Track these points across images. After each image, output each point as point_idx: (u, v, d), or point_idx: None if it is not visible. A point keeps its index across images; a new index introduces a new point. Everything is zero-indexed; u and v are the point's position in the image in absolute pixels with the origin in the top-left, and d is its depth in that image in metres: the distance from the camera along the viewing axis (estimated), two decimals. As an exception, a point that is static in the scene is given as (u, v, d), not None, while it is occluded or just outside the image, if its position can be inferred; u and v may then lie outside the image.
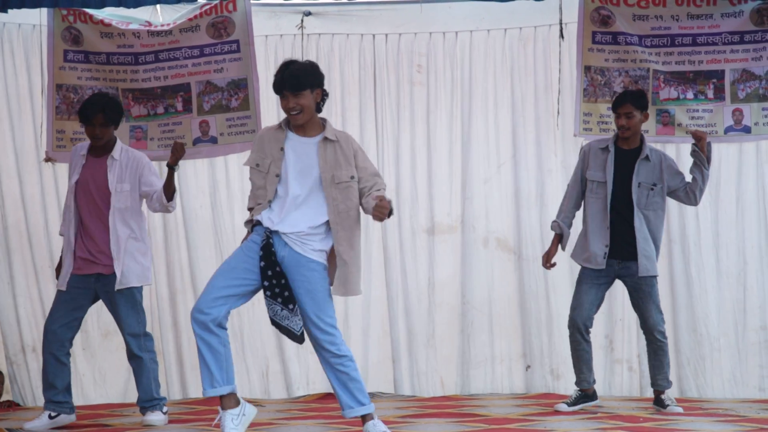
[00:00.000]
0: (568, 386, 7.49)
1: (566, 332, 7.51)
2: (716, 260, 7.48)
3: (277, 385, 7.63)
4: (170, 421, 6.34)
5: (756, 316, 7.45)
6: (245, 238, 5.40)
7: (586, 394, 6.69)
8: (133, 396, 7.51)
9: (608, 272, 6.62)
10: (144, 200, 6.35)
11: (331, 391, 7.47)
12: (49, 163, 7.34)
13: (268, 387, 7.63)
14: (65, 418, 6.25)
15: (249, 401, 7.37)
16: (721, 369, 7.42)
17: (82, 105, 6.31)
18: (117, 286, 6.19)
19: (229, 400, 5.29)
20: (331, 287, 5.32)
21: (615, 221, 6.56)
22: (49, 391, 6.24)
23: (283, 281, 5.18)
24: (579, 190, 6.72)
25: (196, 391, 7.58)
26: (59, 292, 6.30)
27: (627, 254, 6.58)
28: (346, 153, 5.27)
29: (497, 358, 7.63)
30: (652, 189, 6.58)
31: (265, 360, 7.62)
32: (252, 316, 7.58)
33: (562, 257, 7.56)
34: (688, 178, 6.75)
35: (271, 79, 7.53)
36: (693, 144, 6.64)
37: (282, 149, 5.21)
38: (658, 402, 6.67)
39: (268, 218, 5.22)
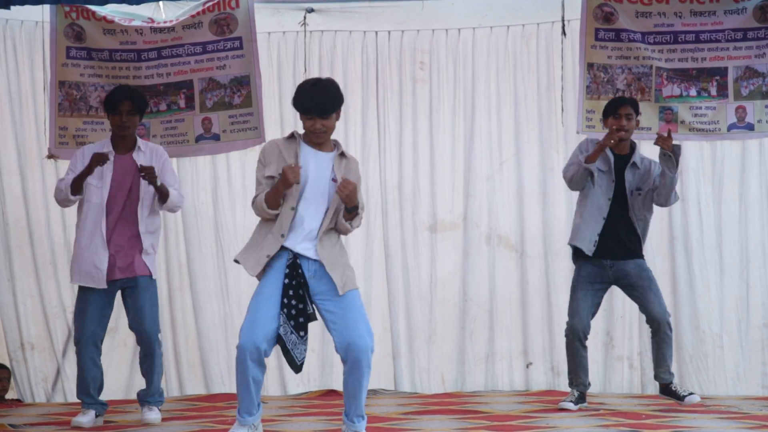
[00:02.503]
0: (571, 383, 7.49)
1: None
2: (719, 257, 7.47)
3: (275, 382, 7.63)
4: (169, 418, 6.34)
5: (759, 313, 7.44)
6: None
7: (582, 395, 6.65)
8: (134, 392, 7.54)
9: (602, 275, 6.55)
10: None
11: (332, 388, 7.54)
12: (51, 160, 7.33)
13: (266, 383, 7.62)
14: (100, 420, 6.27)
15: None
16: (724, 366, 7.41)
17: (107, 96, 6.30)
18: (142, 270, 6.18)
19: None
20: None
21: (610, 217, 6.51)
22: (87, 393, 6.26)
23: (301, 306, 5.08)
24: None
25: (193, 388, 7.59)
26: (84, 293, 6.21)
27: (620, 254, 6.51)
28: (353, 171, 5.25)
29: (498, 355, 7.63)
30: (639, 194, 6.54)
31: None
32: (253, 314, 7.58)
33: (563, 256, 7.57)
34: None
35: (273, 77, 7.67)
36: (660, 147, 6.52)
37: (297, 155, 5.14)
38: (670, 392, 6.58)
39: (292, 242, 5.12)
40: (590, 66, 7.27)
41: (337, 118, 5.20)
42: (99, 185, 6.20)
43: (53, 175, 7.49)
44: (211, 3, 7.18)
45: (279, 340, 5.08)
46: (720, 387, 7.38)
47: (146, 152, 6.27)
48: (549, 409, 6.47)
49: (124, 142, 6.28)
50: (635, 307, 7.50)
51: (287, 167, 5.02)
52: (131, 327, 6.31)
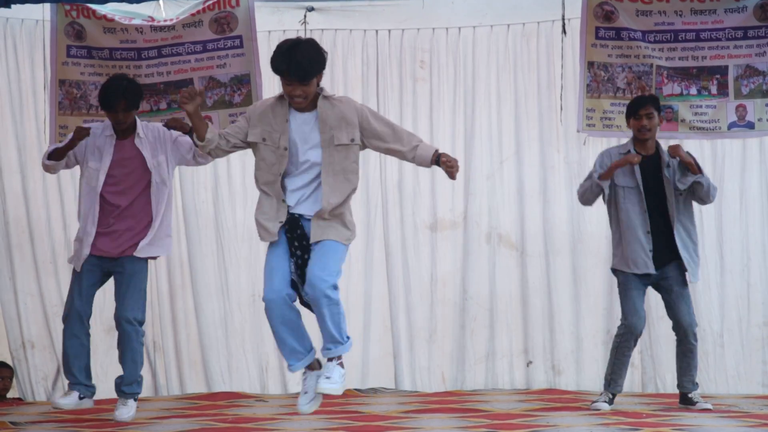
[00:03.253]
0: (569, 382, 7.50)
1: (568, 329, 7.56)
2: (720, 256, 7.47)
3: (276, 381, 7.64)
4: (170, 416, 6.34)
5: (759, 312, 7.44)
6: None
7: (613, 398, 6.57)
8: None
9: (650, 277, 6.51)
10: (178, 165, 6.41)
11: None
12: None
13: (267, 382, 7.63)
14: (87, 402, 6.25)
15: (249, 396, 7.44)
16: (725, 365, 7.41)
17: (102, 91, 6.27)
18: (144, 254, 6.19)
19: (314, 364, 5.40)
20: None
21: (653, 229, 6.47)
22: (71, 373, 6.24)
23: (306, 256, 5.18)
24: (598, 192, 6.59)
25: (194, 387, 7.59)
26: (76, 274, 6.24)
27: (666, 259, 6.47)
28: (347, 115, 5.20)
29: (498, 354, 7.63)
30: (681, 194, 6.51)
31: (265, 356, 7.62)
32: (252, 313, 7.59)
33: (563, 254, 7.57)
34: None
35: (273, 76, 7.53)
36: (679, 163, 6.50)
37: (287, 121, 5.15)
38: (686, 400, 6.56)
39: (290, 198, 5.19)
40: (590, 64, 7.27)
41: (318, 82, 5.14)
42: (96, 167, 6.21)
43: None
44: (211, 2, 7.17)
45: (293, 285, 5.17)
46: (720, 385, 7.38)
47: (147, 136, 6.26)
48: (549, 408, 6.47)
49: (124, 131, 6.28)
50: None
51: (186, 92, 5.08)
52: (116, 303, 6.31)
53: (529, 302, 7.64)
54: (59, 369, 7.55)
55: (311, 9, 7.58)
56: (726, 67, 7.21)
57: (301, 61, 5.01)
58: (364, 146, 5.28)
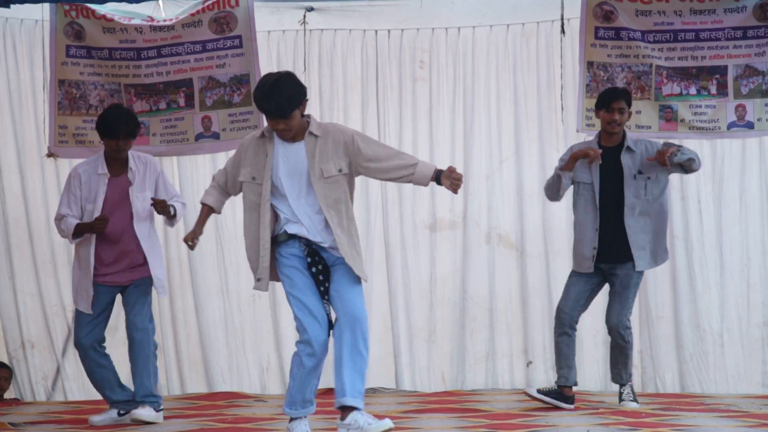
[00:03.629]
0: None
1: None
2: (719, 256, 7.47)
3: (276, 381, 7.64)
4: (170, 417, 6.33)
5: (759, 312, 7.44)
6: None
7: (561, 393, 6.48)
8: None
9: (597, 275, 6.52)
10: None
11: (332, 386, 7.52)
12: (51, 158, 7.33)
13: (267, 382, 7.63)
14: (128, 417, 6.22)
15: (248, 396, 7.44)
16: (724, 365, 7.41)
17: (102, 120, 6.19)
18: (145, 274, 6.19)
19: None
20: None
21: (603, 223, 6.45)
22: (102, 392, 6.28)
23: (326, 276, 5.25)
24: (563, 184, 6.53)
25: (194, 387, 7.59)
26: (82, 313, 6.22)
27: (616, 257, 6.46)
28: (333, 145, 5.23)
29: (498, 354, 7.63)
30: (649, 179, 6.45)
31: (266, 356, 7.62)
32: (253, 313, 7.59)
33: (563, 254, 7.57)
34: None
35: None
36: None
37: (266, 156, 5.23)
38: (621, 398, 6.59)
39: (299, 230, 5.23)
40: (590, 64, 7.27)
41: (302, 112, 5.20)
42: (91, 209, 6.17)
43: (53, 173, 7.50)
44: (210, 1, 7.18)
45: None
46: (720, 385, 7.38)
47: (138, 169, 6.21)
48: (549, 408, 6.46)
49: (119, 162, 6.22)
50: (636, 305, 7.51)
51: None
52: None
53: (529, 302, 7.64)
54: (59, 369, 7.56)
55: (311, 9, 7.58)
56: (725, 67, 7.22)
57: (279, 100, 5.10)
58: (358, 173, 5.32)
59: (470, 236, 7.68)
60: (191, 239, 5.43)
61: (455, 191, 5.22)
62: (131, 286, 6.21)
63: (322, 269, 5.24)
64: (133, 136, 6.22)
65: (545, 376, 7.59)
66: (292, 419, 5.32)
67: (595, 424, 5.78)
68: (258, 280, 5.33)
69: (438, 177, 5.21)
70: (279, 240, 5.27)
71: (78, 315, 6.25)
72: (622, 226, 6.41)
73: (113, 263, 6.18)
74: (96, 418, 6.18)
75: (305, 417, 5.33)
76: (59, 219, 6.27)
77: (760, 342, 7.43)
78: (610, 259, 6.46)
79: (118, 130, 6.10)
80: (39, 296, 7.51)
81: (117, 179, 6.20)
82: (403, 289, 7.68)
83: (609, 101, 6.47)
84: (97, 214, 6.13)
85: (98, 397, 7.37)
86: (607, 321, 6.58)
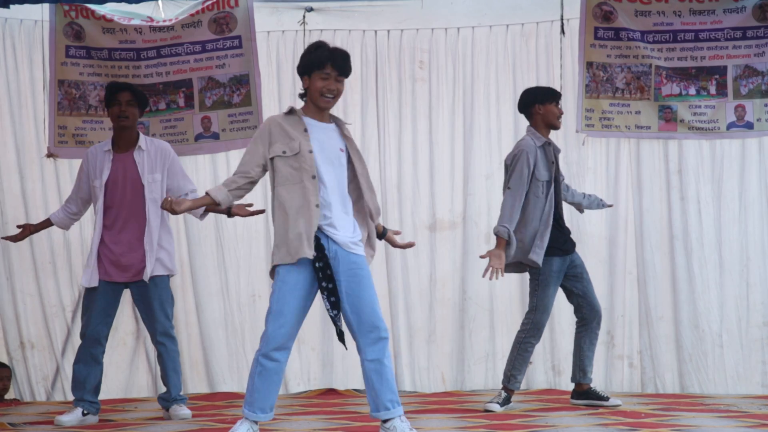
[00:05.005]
0: (569, 382, 7.48)
1: (568, 329, 7.54)
2: (719, 256, 7.47)
3: (276, 381, 7.64)
4: (173, 419, 6.34)
5: (758, 312, 7.44)
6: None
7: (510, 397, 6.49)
8: (134, 391, 7.54)
9: (563, 269, 6.47)
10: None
11: (332, 386, 7.54)
12: (51, 158, 7.33)
13: (267, 382, 7.63)
14: (92, 418, 6.25)
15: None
16: (724, 365, 7.41)
17: (106, 88, 6.29)
18: (147, 276, 6.14)
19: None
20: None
21: (559, 218, 6.46)
22: (79, 390, 6.25)
23: (331, 285, 5.02)
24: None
25: (195, 387, 7.59)
26: (90, 291, 6.22)
27: (571, 248, 6.49)
28: (347, 134, 5.22)
29: (498, 354, 7.62)
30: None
31: (267, 356, 7.62)
32: (253, 312, 7.59)
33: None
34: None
35: (273, 76, 7.65)
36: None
37: (306, 130, 5.04)
38: (590, 394, 6.52)
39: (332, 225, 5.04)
40: (589, 65, 7.28)
41: (343, 89, 5.15)
42: (98, 185, 6.20)
43: (52, 174, 7.49)
44: (210, 2, 7.18)
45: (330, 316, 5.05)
46: (720, 386, 7.38)
47: (150, 150, 6.20)
48: (549, 408, 6.46)
49: (124, 139, 6.22)
50: (635, 305, 7.54)
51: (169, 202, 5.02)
52: (145, 326, 6.34)
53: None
54: (58, 369, 7.55)
55: (310, 9, 7.58)
56: (725, 68, 7.22)
57: (344, 54, 5.04)
58: None
59: (470, 236, 7.69)
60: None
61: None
62: (146, 289, 6.20)
63: (325, 265, 5.00)
64: (139, 104, 6.22)
65: (545, 376, 7.60)
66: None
67: (595, 424, 5.78)
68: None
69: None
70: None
71: (87, 305, 6.24)
72: (561, 216, 6.46)
73: (121, 254, 6.17)
74: (64, 418, 6.15)
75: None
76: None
77: (759, 342, 7.43)
78: (569, 250, 6.47)
79: (120, 92, 6.14)
80: (38, 296, 7.51)
81: (122, 155, 6.21)
82: (403, 290, 7.68)
83: (559, 96, 6.47)
84: (100, 191, 6.14)
85: (98, 397, 7.39)
86: (593, 309, 6.50)
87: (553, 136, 7.58)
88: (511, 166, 6.38)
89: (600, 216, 7.59)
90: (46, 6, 7.16)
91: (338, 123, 5.20)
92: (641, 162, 7.53)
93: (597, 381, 7.50)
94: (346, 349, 5.26)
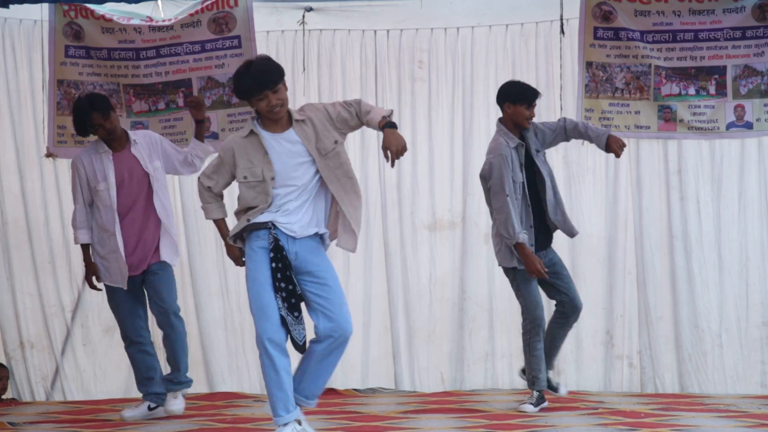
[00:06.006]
0: (569, 382, 7.49)
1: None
2: (718, 256, 7.47)
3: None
4: (169, 417, 6.34)
5: (758, 312, 7.44)
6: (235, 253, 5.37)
7: (543, 395, 6.48)
8: (133, 391, 7.53)
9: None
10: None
11: (333, 386, 7.54)
12: (50, 158, 7.33)
13: (267, 382, 7.63)
14: (161, 410, 6.35)
15: (247, 397, 7.44)
16: (723, 365, 7.41)
17: (73, 120, 6.29)
18: (163, 258, 6.29)
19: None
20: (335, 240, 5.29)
21: (534, 218, 6.42)
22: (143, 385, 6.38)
23: (290, 287, 5.11)
24: None
25: (195, 387, 7.56)
26: (117, 291, 6.30)
27: (545, 244, 6.47)
28: (319, 123, 5.23)
29: (497, 354, 7.63)
30: (545, 161, 6.48)
31: (266, 355, 7.61)
32: (252, 312, 7.58)
33: (563, 254, 7.57)
34: None
35: None
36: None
37: (266, 154, 5.16)
38: (549, 385, 6.51)
39: (272, 218, 5.16)
40: (589, 65, 7.27)
41: (285, 89, 5.17)
42: (105, 187, 6.24)
43: (52, 173, 7.49)
44: (209, 2, 7.17)
45: (281, 321, 5.10)
46: (719, 385, 7.38)
47: (142, 142, 6.34)
48: (549, 408, 6.46)
49: (116, 140, 6.33)
50: (635, 305, 7.53)
51: (233, 257, 5.25)
52: (151, 310, 6.39)
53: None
54: (58, 369, 7.55)
55: (309, 9, 7.58)
56: (724, 68, 7.22)
57: (259, 72, 5.07)
58: (344, 135, 5.31)
59: (469, 236, 7.69)
60: (237, 258, 5.38)
61: (391, 157, 5.06)
62: (151, 273, 6.30)
63: (284, 266, 5.11)
64: (108, 108, 6.28)
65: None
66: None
67: (595, 424, 5.79)
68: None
69: (382, 126, 5.15)
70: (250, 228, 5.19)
71: (115, 306, 6.36)
72: (543, 214, 6.42)
73: (134, 249, 6.27)
74: (126, 413, 6.30)
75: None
76: (73, 226, 6.41)
77: (758, 342, 7.43)
78: (542, 246, 6.45)
79: (91, 118, 6.17)
80: (38, 296, 7.51)
81: (119, 154, 6.29)
82: (403, 290, 7.68)
83: (531, 99, 6.43)
84: (111, 191, 6.21)
85: (97, 397, 7.41)
86: (574, 304, 6.47)
87: (553, 135, 7.61)
88: (489, 177, 6.37)
89: (600, 216, 7.59)
90: (45, 6, 7.15)
91: (295, 122, 5.21)
92: (641, 162, 7.53)
93: (597, 381, 7.52)
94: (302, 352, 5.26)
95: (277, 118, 5.17)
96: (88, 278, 6.40)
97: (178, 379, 6.36)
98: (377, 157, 7.71)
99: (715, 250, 7.47)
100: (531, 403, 6.38)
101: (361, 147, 7.74)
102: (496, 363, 7.63)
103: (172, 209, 6.54)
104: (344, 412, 6.48)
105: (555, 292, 6.54)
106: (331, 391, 7.48)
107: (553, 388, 6.53)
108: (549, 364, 6.54)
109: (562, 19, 7.41)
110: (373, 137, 7.73)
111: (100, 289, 6.37)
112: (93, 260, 6.36)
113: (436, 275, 7.70)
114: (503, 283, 7.59)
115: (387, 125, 5.11)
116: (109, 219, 6.24)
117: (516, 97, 6.41)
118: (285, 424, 5.11)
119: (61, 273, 7.51)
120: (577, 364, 7.57)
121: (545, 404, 6.42)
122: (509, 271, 6.45)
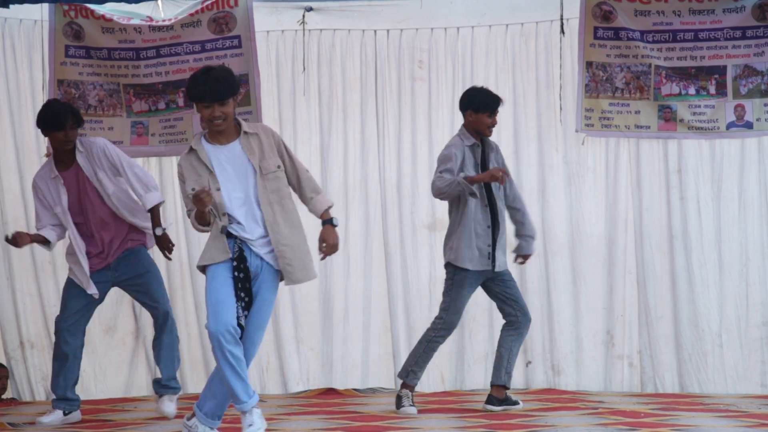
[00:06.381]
0: (569, 382, 7.50)
1: (567, 328, 7.54)
2: (718, 256, 7.46)
3: (276, 381, 7.64)
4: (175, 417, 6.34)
5: (758, 311, 7.43)
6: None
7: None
8: (133, 391, 7.54)
9: (483, 274, 6.46)
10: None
11: (332, 386, 7.54)
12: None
13: (267, 382, 7.63)
14: (75, 415, 6.31)
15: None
16: (723, 364, 7.40)
17: (44, 114, 6.19)
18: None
19: None
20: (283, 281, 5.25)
21: (493, 223, 6.43)
22: (60, 388, 6.29)
23: (248, 299, 5.14)
24: None
25: (194, 387, 7.58)
26: (74, 290, 6.31)
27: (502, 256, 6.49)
28: (267, 144, 5.21)
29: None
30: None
31: (266, 356, 7.62)
32: (252, 312, 7.58)
33: (563, 254, 7.57)
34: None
35: (272, 76, 7.65)
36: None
37: (211, 171, 5.14)
38: (510, 402, 6.46)
39: (235, 229, 5.17)
40: (589, 64, 7.28)
41: (235, 105, 5.16)
42: (61, 211, 6.22)
43: (52, 173, 7.49)
44: (209, 1, 7.18)
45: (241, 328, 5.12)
46: (719, 385, 7.37)
47: (85, 151, 6.21)
48: (548, 408, 6.46)
49: (65, 154, 6.23)
50: (635, 305, 7.53)
51: (199, 193, 5.00)
52: (147, 309, 6.49)
53: (529, 302, 7.59)
54: (58, 369, 7.55)
55: (310, 9, 7.58)
56: (724, 67, 7.22)
57: (215, 81, 5.05)
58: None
59: (469, 236, 7.68)
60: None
61: (321, 255, 5.22)
62: (139, 275, 6.33)
63: (245, 277, 5.13)
64: (80, 124, 6.24)
65: (544, 376, 7.59)
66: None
67: (594, 424, 5.78)
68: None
69: (324, 221, 5.26)
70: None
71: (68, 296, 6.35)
72: (496, 219, 6.42)
73: (102, 252, 6.27)
74: (46, 419, 6.21)
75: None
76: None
77: (758, 342, 7.43)
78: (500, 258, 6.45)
79: (65, 122, 6.11)
80: (38, 296, 7.51)
81: (69, 172, 6.23)
82: (402, 289, 7.68)
83: (494, 107, 6.43)
84: (66, 216, 6.19)
85: (96, 397, 7.40)
86: (524, 310, 6.50)
87: (553, 135, 7.61)
88: (440, 157, 6.40)
89: (599, 216, 7.58)
90: (45, 6, 7.15)
91: (243, 134, 5.18)
92: (641, 162, 7.52)
93: (597, 381, 7.52)
94: None
95: (218, 130, 5.14)
96: (21, 235, 6.26)
97: (164, 381, 6.35)
98: (377, 157, 7.71)
99: (716, 250, 7.46)
100: (411, 405, 6.37)
101: (361, 145, 7.74)
102: (496, 363, 7.62)
103: (134, 198, 6.35)
104: (344, 412, 6.48)
105: (505, 300, 6.52)
106: (331, 391, 7.49)
107: (515, 402, 6.48)
108: (510, 380, 6.48)
109: (562, 19, 7.41)
110: (373, 137, 7.73)
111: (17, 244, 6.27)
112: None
113: (436, 275, 7.68)
114: (503, 283, 7.61)
115: (330, 221, 5.25)
116: (73, 236, 6.22)
117: (478, 106, 6.43)
118: (250, 409, 5.17)
119: (61, 273, 7.48)
120: (577, 364, 7.56)
121: (413, 411, 6.35)
122: (450, 265, 6.43)
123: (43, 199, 6.27)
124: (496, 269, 6.44)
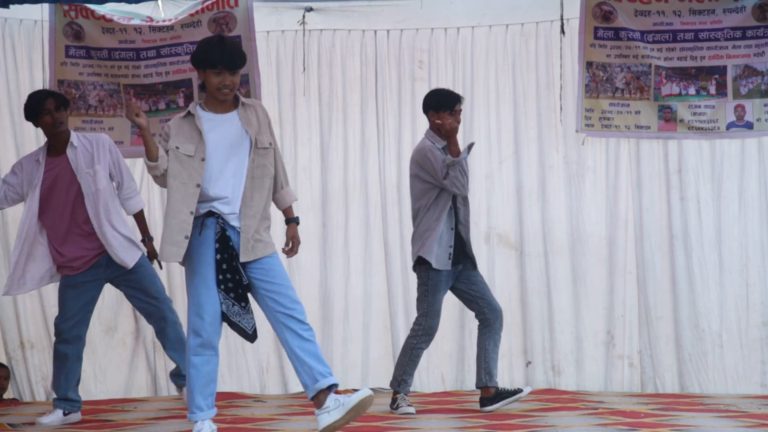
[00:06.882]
0: (569, 382, 7.50)
1: (567, 328, 7.54)
2: (718, 256, 7.46)
3: (276, 381, 7.64)
4: (167, 417, 6.34)
5: (758, 311, 7.43)
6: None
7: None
8: (133, 391, 7.54)
9: (453, 275, 6.44)
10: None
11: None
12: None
13: (267, 383, 7.63)
14: (75, 416, 6.29)
15: (247, 397, 7.44)
16: (723, 365, 7.40)
17: (25, 106, 6.20)
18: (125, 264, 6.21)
19: None
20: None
21: (457, 219, 6.40)
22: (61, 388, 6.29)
23: (237, 277, 5.10)
24: None
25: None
26: (71, 291, 6.31)
27: (462, 260, 6.45)
28: (263, 119, 5.23)
29: (497, 354, 7.61)
30: None
31: (266, 356, 7.62)
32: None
33: (563, 254, 7.57)
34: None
35: (272, 76, 7.65)
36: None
37: (201, 136, 5.10)
38: (507, 394, 6.42)
39: (217, 207, 5.11)
40: (589, 65, 7.28)
41: (239, 78, 5.18)
42: (31, 196, 6.19)
43: (52, 173, 7.49)
44: (210, 2, 7.18)
45: (224, 318, 5.12)
46: (719, 385, 7.37)
47: (81, 146, 6.19)
48: (548, 408, 6.46)
49: (61, 142, 6.20)
50: (635, 305, 7.53)
51: (128, 104, 5.05)
52: (140, 311, 6.45)
53: (529, 302, 7.64)
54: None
55: (310, 9, 7.58)
56: (725, 67, 7.22)
57: (232, 49, 5.08)
58: None
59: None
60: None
61: (286, 253, 5.31)
62: (131, 278, 6.29)
63: (229, 257, 5.07)
64: (64, 106, 6.20)
65: (544, 376, 7.59)
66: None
67: (594, 424, 5.78)
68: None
69: (289, 220, 5.35)
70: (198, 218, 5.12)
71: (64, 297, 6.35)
72: (461, 219, 6.41)
73: (72, 251, 6.22)
74: (46, 420, 6.19)
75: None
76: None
77: (759, 342, 7.43)
78: (459, 259, 6.43)
79: (45, 101, 6.10)
80: (38, 296, 7.50)
81: (56, 159, 6.19)
82: (402, 289, 7.67)
83: (453, 104, 6.40)
84: (36, 200, 6.14)
85: (97, 397, 7.40)
86: (494, 309, 6.43)
87: (553, 135, 7.61)
88: (424, 164, 6.33)
89: (600, 216, 7.58)
90: (45, 6, 7.15)
91: (241, 105, 5.18)
92: (641, 162, 7.52)
93: (597, 381, 7.51)
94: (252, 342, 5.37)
95: (223, 99, 5.14)
96: None
97: (181, 373, 6.32)
98: (377, 157, 7.71)
99: (716, 250, 7.46)
100: (409, 405, 6.37)
101: (361, 145, 7.74)
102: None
103: (123, 213, 6.32)
104: (344, 412, 6.46)
105: (472, 299, 6.50)
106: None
107: (514, 392, 6.46)
108: (492, 379, 6.44)
109: (562, 19, 7.41)
110: (373, 137, 7.73)
111: None
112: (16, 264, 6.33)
113: (436, 275, 7.69)
114: (503, 282, 7.62)
115: (296, 220, 5.37)
116: (32, 224, 6.19)
117: (437, 105, 6.41)
118: (201, 422, 5.12)
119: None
120: (578, 364, 7.56)
121: (412, 410, 6.35)
122: (422, 270, 6.40)
123: (19, 172, 6.22)
124: (461, 268, 6.42)
